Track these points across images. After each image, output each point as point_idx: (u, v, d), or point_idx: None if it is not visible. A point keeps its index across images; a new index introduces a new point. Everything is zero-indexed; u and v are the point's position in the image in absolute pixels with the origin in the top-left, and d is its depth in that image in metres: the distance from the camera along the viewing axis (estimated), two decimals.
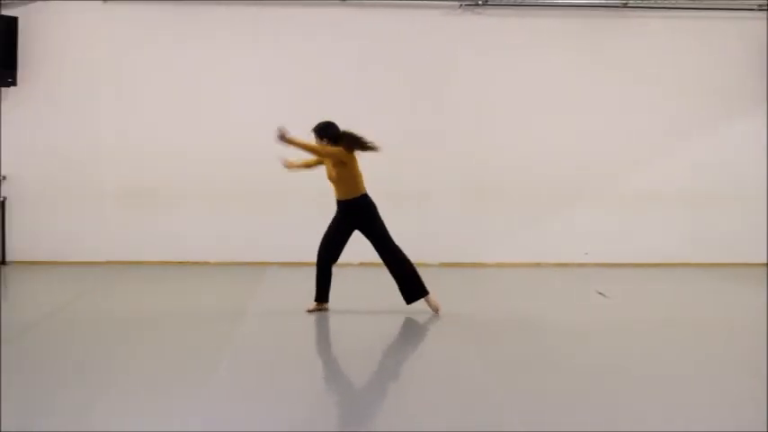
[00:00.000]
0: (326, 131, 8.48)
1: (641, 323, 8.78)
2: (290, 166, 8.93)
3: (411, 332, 8.44)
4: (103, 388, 6.21)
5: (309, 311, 8.74)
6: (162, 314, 8.90)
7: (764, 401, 5.86)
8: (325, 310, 8.80)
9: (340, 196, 8.63)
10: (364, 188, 8.61)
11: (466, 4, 12.06)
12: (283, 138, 8.09)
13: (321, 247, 8.72)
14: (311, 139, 8.47)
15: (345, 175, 8.49)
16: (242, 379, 6.54)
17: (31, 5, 11.71)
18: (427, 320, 8.62)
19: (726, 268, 12.13)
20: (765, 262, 12.28)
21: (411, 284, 8.65)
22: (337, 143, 8.39)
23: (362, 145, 8.35)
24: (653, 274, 11.84)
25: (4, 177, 11.85)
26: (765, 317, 8.84)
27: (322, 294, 8.77)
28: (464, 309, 9.16)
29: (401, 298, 8.72)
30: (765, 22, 12.16)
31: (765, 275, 11.49)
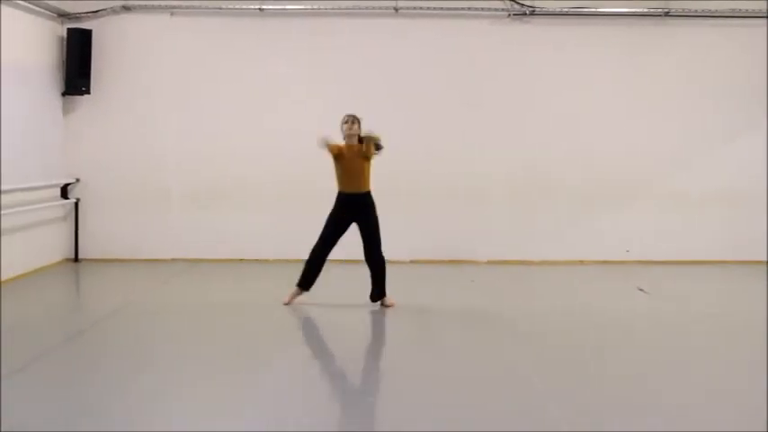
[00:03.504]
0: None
1: (680, 319, 8.99)
2: (327, 144, 9.07)
3: (459, 328, 8.50)
4: (164, 382, 6.48)
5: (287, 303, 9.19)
6: (222, 308, 9.23)
7: None
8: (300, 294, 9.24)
9: (360, 188, 9.10)
10: None
11: (514, 14, 12.39)
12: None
13: (325, 241, 9.24)
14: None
15: (368, 169, 9.08)
16: (295, 370, 6.81)
17: (104, 19, 12.22)
18: (475, 317, 8.86)
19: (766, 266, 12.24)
20: None
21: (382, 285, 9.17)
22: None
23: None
24: (694, 271, 12.06)
25: (78, 180, 12.35)
26: None
27: (309, 283, 9.27)
28: (512, 304, 9.47)
29: (450, 296, 9.04)
30: None
31: None
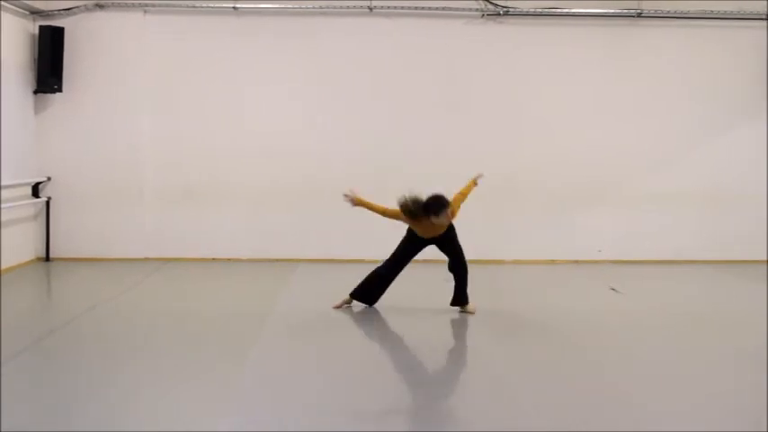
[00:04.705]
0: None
1: (653, 318, 9.02)
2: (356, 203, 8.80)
3: (433, 328, 8.53)
4: (136, 383, 6.41)
5: (337, 306, 9.04)
6: (195, 309, 9.18)
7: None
8: (350, 305, 9.11)
9: (438, 233, 8.74)
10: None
11: (488, 14, 12.42)
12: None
13: (396, 263, 8.90)
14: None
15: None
16: (269, 374, 6.70)
17: (77, 17, 12.14)
18: (449, 317, 8.85)
19: (736, 265, 12.38)
20: None
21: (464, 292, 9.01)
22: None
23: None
24: (665, 270, 12.13)
25: (49, 178, 12.26)
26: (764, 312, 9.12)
27: (369, 299, 9.07)
28: (484, 304, 9.35)
29: (423, 295, 9.14)
30: None
31: None
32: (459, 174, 12.31)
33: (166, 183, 12.46)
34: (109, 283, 10.61)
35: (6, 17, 11.26)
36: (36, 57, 11.91)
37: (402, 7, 12.30)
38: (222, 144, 12.42)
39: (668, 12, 12.44)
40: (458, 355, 7.51)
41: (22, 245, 11.84)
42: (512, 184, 12.58)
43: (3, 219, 11.15)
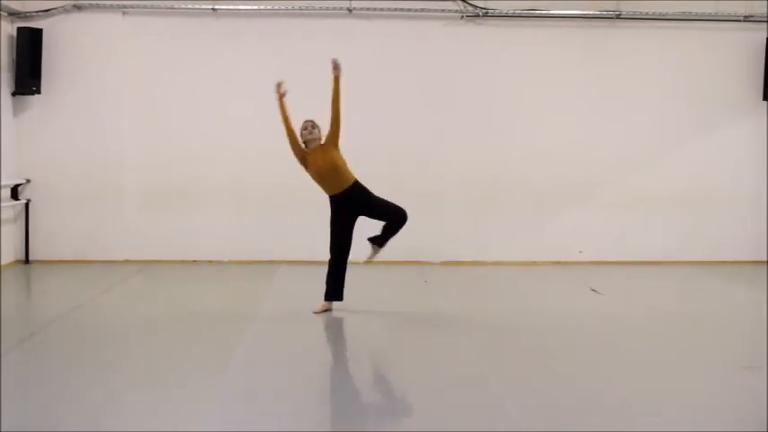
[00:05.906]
0: None
1: (633, 318, 9.06)
2: (281, 95, 9.16)
3: (413, 329, 8.52)
4: (118, 385, 6.40)
5: (317, 312, 8.96)
6: (177, 312, 9.11)
7: (764, 395, 6.16)
8: (330, 310, 9.04)
9: (342, 185, 8.78)
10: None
11: (467, 16, 12.48)
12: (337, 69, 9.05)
13: (339, 247, 8.90)
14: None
15: (339, 163, 8.78)
16: (251, 380, 6.62)
17: (55, 18, 12.10)
18: (431, 318, 8.87)
19: (717, 266, 12.52)
20: (764, 260, 12.80)
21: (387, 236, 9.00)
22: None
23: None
24: (646, 271, 12.19)
25: (29, 180, 12.22)
26: (744, 312, 9.31)
27: (336, 295, 9.03)
28: (465, 305, 9.47)
29: (403, 297, 9.18)
30: (750, 32, 12.69)
31: (762, 273, 11.84)
32: (438, 174, 12.52)
33: (147, 185, 12.43)
34: (90, 286, 10.55)
35: None
36: (14, 58, 11.86)
37: (381, 9, 12.32)
38: (203, 145, 12.40)
39: (646, 13, 12.54)
40: (439, 355, 7.46)
41: (0, 247, 11.76)
42: (492, 185, 12.64)
43: None
